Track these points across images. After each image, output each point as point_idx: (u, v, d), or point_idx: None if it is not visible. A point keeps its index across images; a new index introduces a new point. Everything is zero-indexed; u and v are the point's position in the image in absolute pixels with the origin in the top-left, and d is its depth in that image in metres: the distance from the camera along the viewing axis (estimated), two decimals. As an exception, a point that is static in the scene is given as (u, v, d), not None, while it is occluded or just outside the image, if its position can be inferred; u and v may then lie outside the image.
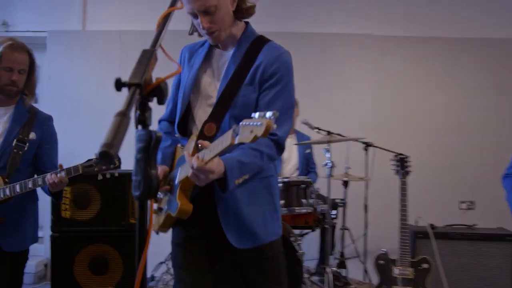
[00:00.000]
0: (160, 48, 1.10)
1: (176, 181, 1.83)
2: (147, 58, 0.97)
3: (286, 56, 1.88)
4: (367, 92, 5.19)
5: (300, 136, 4.67)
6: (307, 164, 4.70)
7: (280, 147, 1.86)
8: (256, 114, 1.30)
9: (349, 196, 4.35)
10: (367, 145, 4.39)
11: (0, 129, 2.58)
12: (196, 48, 2.03)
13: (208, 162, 1.57)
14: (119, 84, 0.92)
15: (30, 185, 2.44)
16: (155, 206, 2.07)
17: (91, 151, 5.10)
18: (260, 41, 1.91)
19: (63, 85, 5.38)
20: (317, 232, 4.22)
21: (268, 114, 1.26)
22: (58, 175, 2.40)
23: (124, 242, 3.46)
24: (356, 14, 5.36)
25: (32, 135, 2.63)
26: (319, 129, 4.27)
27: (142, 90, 0.93)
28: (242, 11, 1.86)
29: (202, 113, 1.91)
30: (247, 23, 1.96)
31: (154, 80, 0.95)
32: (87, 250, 3.45)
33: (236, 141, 1.34)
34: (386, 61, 5.25)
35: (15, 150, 2.53)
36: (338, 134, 4.17)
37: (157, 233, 2.04)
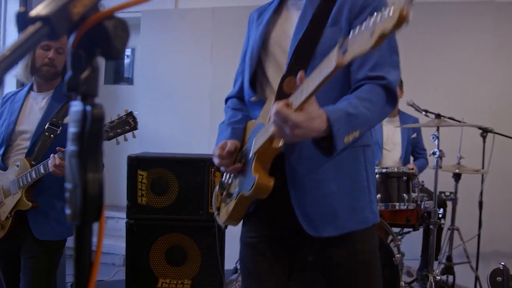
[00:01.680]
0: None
1: (251, 152, 1.49)
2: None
3: None
4: (486, 69, 4.46)
5: (405, 118, 4.12)
6: (413, 150, 4.14)
7: (392, 95, 1.42)
8: (374, 15, 0.93)
9: (460, 190, 3.72)
10: (485, 131, 3.72)
11: (37, 114, 2.42)
12: (265, 7, 1.75)
13: (297, 109, 1.19)
14: (22, 20, 0.52)
15: (42, 170, 2.26)
16: (220, 192, 1.75)
17: (183, 130, 5.02)
18: None
19: (157, 66, 5.31)
20: (420, 232, 3.67)
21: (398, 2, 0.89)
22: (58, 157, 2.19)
23: (202, 232, 3.19)
24: None
25: (67, 119, 2.44)
26: (427, 112, 3.70)
27: (59, 29, 0.53)
28: None
29: (275, 70, 1.59)
30: None
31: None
32: (164, 239, 3.22)
33: (348, 59, 0.99)
34: (509, 31, 4.47)
35: (46, 133, 2.35)
36: (450, 118, 3.57)
37: (225, 227, 1.75)
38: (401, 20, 0.87)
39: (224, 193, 1.68)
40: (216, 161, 1.58)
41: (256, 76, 1.64)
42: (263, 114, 1.54)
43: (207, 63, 5.10)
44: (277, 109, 1.19)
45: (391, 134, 4.14)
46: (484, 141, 3.75)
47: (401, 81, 4.07)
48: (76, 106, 0.56)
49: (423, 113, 3.74)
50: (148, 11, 5.35)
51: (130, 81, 5.89)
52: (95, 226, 0.57)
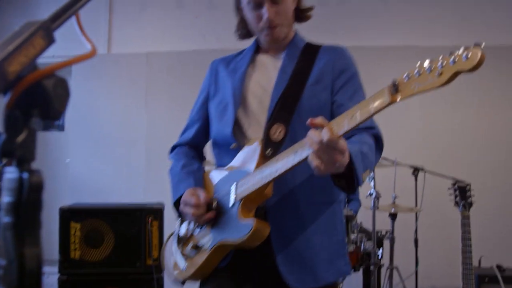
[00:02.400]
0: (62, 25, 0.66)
1: (235, 199, 1.46)
2: (27, 34, 0.53)
3: (348, 52, 1.70)
4: (415, 110, 4.67)
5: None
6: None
7: (380, 144, 1.57)
8: (436, 58, 1.05)
9: (397, 229, 3.80)
10: (416, 169, 3.86)
11: None
12: (231, 58, 1.80)
13: (341, 137, 1.21)
14: None
15: None
16: (179, 246, 1.66)
17: (117, 178, 4.85)
18: (313, 44, 1.72)
19: (89, 111, 5.15)
20: (359, 273, 3.69)
21: (476, 43, 1.00)
22: None
23: (140, 285, 3.06)
24: (399, 25, 4.90)
25: None
26: (361, 153, 3.79)
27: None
28: (302, 12, 1.70)
29: (253, 123, 1.62)
30: (296, 30, 1.77)
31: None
32: (99, 295, 3.06)
33: (415, 91, 1.12)
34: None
35: None
36: (383, 159, 3.67)
37: (182, 282, 1.66)
38: (480, 63, 0.96)
39: (188, 246, 1.60)
40: (190, 210, 1.52)
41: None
42: (243, 161, 1.53)
43: (141, 109, 5.02)
44: (330, 136, 1.16)
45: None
46: (416, 180, 3.88)
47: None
48: (11, 172, 0.50)
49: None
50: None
51: (60, 127, 5.68)
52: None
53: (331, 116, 1.53)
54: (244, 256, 1.50)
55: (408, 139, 4.59)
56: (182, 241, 1.64)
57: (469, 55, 0.96)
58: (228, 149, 1.61)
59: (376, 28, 4.95)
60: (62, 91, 0.53)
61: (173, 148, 1.84)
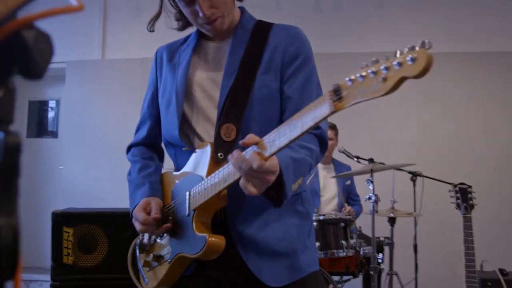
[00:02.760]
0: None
1: (189, 209, 1.36)
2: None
3: (303, 33, 1.50)
4: (411, 114, 4.65)
5: (339, 166, 4.15)
6: (348, 197, 4.16)
7: (324, 143, 1.44)
8: (378, 60, 0.90)
9: (396, 234, 3.75)
10: (415, 175, 3.81)
11: None
12: (176, 46, 1.62)
13: (269, 158, 1.11)
14: None
15: None
16: (140, 254, 1.58)
17: (111, 184, 4.78)
18: (264, 24, 1.52)
19: (83, 117, 5.10)
20: (359, 278, 3.62)
21: (420, 43, 0.83)
22: None
23: (134, 292, 2.97)
24: (392, 31, 4.88)
25: None
26: (359, 158, 3.74)
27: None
28: None
29: (201, 119, 1.48)
30: (242, 8, 1.57)
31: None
32: (92, 302, 2.98)
33: (349, 103, 0.95)
34: (431, 80, 4.71)
35: None
36: (381, 163, 3.62)
37: None
38: (427, 68, 0.82)
39: (150, 256, 1.50)
40: (138, 227, 1.41)
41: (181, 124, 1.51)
42: (196, 166, 1.42)
43: (136, 115, 4.92)
44: (256, 166, 1.08)
45: (327, 183, 4.15)
46: (414, 185, 3.83)
47: (336, 130, 4.13)
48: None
49: (355, 159, 3.78)
50: (73, 62, 5.18)
51: (54, 134, 5.62)
52: (9, 286, 0.45)
53: (281, 108, 1.43)
54: (210, 263, 1.38)
55: (406, 144, 4.55)
56: (145, 249, 1.54)
57: (415, 59, 0.83)
58: (182, 150, 1.50)
59: (372, 34, 4.93)
60: (45, 46, 0.47)
61: (129, 148, 1.70)
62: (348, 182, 4.19)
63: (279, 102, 1.43)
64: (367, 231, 3.57)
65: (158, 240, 1.50)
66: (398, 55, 0.86)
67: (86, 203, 4.13)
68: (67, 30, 5.28)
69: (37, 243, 4.94)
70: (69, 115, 5.21)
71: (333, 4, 5.02)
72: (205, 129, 1.46)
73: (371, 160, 3.38)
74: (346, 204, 4.17)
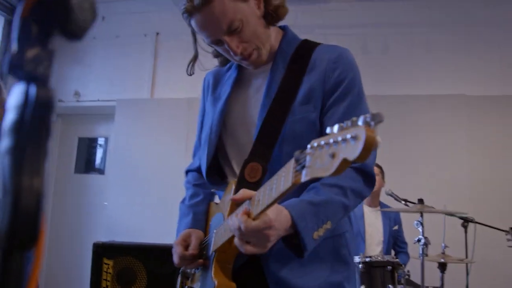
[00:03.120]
0: None
1: (211, 249, 1.30)
2: None
3: (348, 54, 1.35)
4: (462, 158, 4.48)
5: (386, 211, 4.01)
6: (394, 243, 3.98)
7: (368, 178, 1.27)
8: (334, 127, 0.74)
9: (446, 284, 3.53)
10: (466, 220, 3.63)
11: None
12: (223, 73, 1.53)
13: (259, 216, 1.04)
14: None
15: None
16: (181, 282, 1.53)
17: (156, 223, 4.79)
18: (308, 45, 1.39)
19: (129, 155, 5.18)
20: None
21: (361, 119, 0.69)
22: None
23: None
24: (445, 74, 4.79)
25: None
26: (407, 201, 3.60)
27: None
28: (271, 14, 1.35)
29: (238, 154, 1.39)
30: (284, 27, 1.46)
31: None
32: (130, 337, 2.92)
33: (304, 179, 0.80)
34: (483, 124, 4.56)
35: None
36: (431, 207, 3.47)
37: None
38: (368, 150, 0.67)
39: (186, 287, 1.47)
40: (175, 260, 1.39)
41: (218, 159, 1.45)
42: (223, 204, 1.37)
43: (182, 153, 4.99)
44: (238, 225, 1.05)
45: (374, 226, 4.00)
46: (466, 231, 3.64)
47: (383, 171, 4.02)
48: (18, 88, 0.42)
49: (403, 202, 3.64)
50: (123, 100, 5.32)
51: (101, 171, 5.72)
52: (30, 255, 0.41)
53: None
54: None
55: (456, 188, 4.36)
56: (184, 277, 1.51)
57: (356, 138, 0.68)
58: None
59: (420, 76, 4.85)
60: (88, 6, 0.45)
61: (186, 173, 1.67)
62: (396, 227, 4.03)
63: (316, 135, 1.26)
64: (415, 278, 3.38)
65: (196, 271, 1.45)
66: (335, 130, 0.73)
67: (127, 238, 4.13)
68: (119, 70, 5.46)
69: (77, 275, 4.96)
70: (116, 152, 5.30)
71: (380, 46, 4.99)
72: (238, 161, 1.39)
73: (420, 201, 3.24)
74: (393, 253, 4.00)
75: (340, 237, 1.32)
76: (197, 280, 1.42)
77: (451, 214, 3.56)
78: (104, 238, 3.55)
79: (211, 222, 1.44)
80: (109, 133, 5.61)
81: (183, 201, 1.57)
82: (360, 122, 0.69)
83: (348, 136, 0.70)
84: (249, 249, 1.08)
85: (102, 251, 2.99)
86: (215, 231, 1.32)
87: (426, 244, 3.02)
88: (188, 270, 1.49)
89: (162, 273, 3.00)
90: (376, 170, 3.93)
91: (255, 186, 1.22)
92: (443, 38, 4.90)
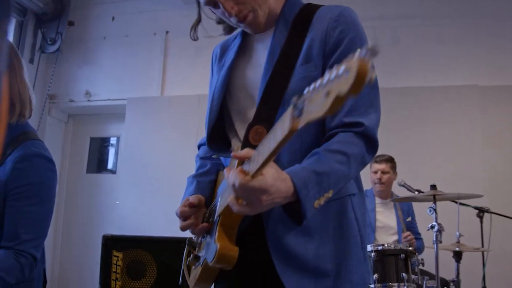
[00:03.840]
0: None
1: (216, 214, 1.28)
2: None
3: (349, 12, 1.30)
4: (477, 150, 4.40)
5: (399, 202, 3.95)
6: (408, 234, 3.93)
7: (371, 142, 1.23)
8: (331, 71, 0.72)
9: (462, 273, 3.45)
10: (482, 210, 3.55)
11: None
12: (229, 43, 1.52)
13: (256, 175, 1.00)
14: None
15: None
16: (188, 251, 1.51)
17: (167, 221, 4.78)
18: (310, 8, 1.35)
19: (140, 153, 5.17)
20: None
21: (357, 53, 0.68)
22: None
23: (183, 320, 2.87)
24: (457, 65, 4.72)
25: None
26: (420, 192, 3.54)
27: None
28: None
29: (241, 119, 1.38)
30: None
31: None
32: (140, 330, 2.90)
33: (302, 123, 0.79)
34: (496, 114, 4.48)
35: None
36: (445, 194, 3.40)
37: None
38: (361, 81, 0.66)
39: (192, 255, 1.43)
40: (180, 224, 1.37)
41: (223, 126, 1.44)
42: (229, 167, 1.31)
43: (192, 150, 4.95)
44: (233, 181, 1.02)
45: (386, 218, 3.95)
46: (481, 221, 3.57)
47: (394, 164, 3.96)
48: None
49: (416, 193, 3.58)
50: (133, 99, 5.33)
51: (113, 170, 5.73)
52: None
53: None
54: (242, 268, 1.24)
55: (471, 179, 4.28)
56: (190, 246, 1.48)
57: (347, 70, 0.67)
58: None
59: (431, 69, 4.79)
60: None
61: (199, 147, 1.67)
62: (409, 219, 3.97)
63: None
64: (429, 268, 3.32)
65: (202, 240, 1.42)
66: (338, 66, 0.71)
67: (137, 234, 4.12)
68: (129, 68, 5.48)
69: (89, 272, 4.96)
70: (127, 151, 5.31)
71: (391, 39, 4.94)
72: (241, 126, 1.37)
73: (433, 187, 3.17)
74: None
75: (345, 200, 1.28)
76: (203, 248, 1.39)
77: (465, 204, 3.49)
78: (114, 232, 3.53)
79: (218, 189, 1.43)
80: (120, 132, 5.62)
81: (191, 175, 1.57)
82: (355, 56, 0.68)
83: (341, 70, 0.68)
84: (239, 208, 1.06)
85: (111, 243, 2.97)
86: (220, 195, 1.31)
87: (439, 231, 2.96)
88: (194, 239, 1.46)
89: (173, 265, 2.97)
90: (387, 165, 3.87)
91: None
92: (453, 30, 4.83)
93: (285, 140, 0.87)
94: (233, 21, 1.33)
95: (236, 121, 1.40)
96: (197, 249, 1.44)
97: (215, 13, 1.39)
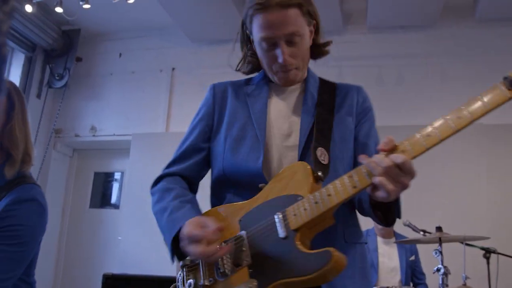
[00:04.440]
0: None
1: (285, 232, 1.22)
2: None
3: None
4: (481, 188, 4.36)
5: (402, 239, 3.89)
6: (412, 274, 3.85)
7: None
8: None
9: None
10: (488, 251, 3.49)
11: None
12: (239, 85, 1.59)
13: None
14: None
15: None
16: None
17: (167, 258, 4.72)
18: (328, 80, 1.59)
19: (144, 189, 5.11)
20: None
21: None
22: None
23: None
24: (461, 103, 4.72)
25: None
26: (425, 232, 3.49)
27: None
28: (319, 47, 1.52)
29: (277, 152, 1.42)
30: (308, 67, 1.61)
31: None
32: None
33: None
34: (501, 152, 4.46)
35: None
36: (449, 235, 3.35)
37: None
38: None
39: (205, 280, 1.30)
40: (198, 249, 1.20)
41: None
42: (282, 188, 1.29)
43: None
44: (403, 160, 1.14)
45: (388, 258, 3.88)
46: (488, 262, 3.50)
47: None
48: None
49: (421, 233, 3.53)
50: (138, 134, 5.35)
51: (116, 205, 5.71)
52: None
53: (353, 145, 1.48)
54: None
55: (476, 219, 4.23)
56: (193, 274, 1.33)
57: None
58: (244, 188, 1.39)
59: (436, 107, 4.79)
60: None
61: (159, 179, 1.55)
62: (413, 258, 3.90)
63: (352, 143, 1.46)
64: (436, 312, 3.25)
65: (219, 278, 1.28)
66: None
67: (141, 272, 4.07)
68: (135, 104, 5.52)
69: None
70: (131, 187, 5.30)
71: (395, 77, 4.98)
72: (281, 164, 1.40)
73: (439, 229, 3.13)
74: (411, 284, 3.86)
75: (363, 246, 1.45)
76: (229, 285, 1.27)
77: (471, 245, 3.44)
78: (117, 272, 3.49)
79: (243, 218, 1.33)
80: (124, 167, 5.62)
81: (159, 201, 1.45)
82: None
83: None
84: (393, 188, 1.13)
85: (111, 282, 2.93)
86: (281, 214, 1.24)
87: (446, 274, 2.91)
88: (201, 283, 1.31)
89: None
90: None
91: (326, 168, 1.33)
92: (458, 68, 4.87)
93: (495, 107, 1.16)
94: (275, 67, 1.44)
95: (273, 155, 1.43)
96: (204, 276, 1.32)
97: (250, 53, 1.53)
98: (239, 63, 1.57)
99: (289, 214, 1.23)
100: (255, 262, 1.25)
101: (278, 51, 1.39)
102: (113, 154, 5.77)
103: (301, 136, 1.40)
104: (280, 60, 1.40)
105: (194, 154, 1.55)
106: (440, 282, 2.93)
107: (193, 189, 1.55)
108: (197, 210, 1.39)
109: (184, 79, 5.46)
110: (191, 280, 1.35)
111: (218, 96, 1.57)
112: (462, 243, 3.40)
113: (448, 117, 1.18)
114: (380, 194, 1.15)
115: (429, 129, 1.17)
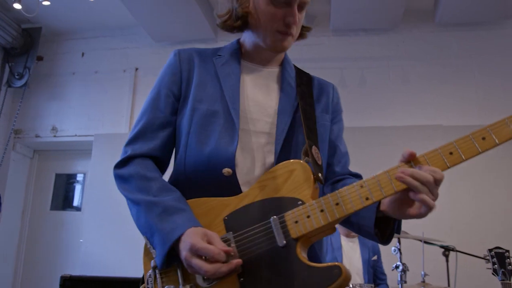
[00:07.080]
0: None
1: (284, 240, 1.12)
2: None
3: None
4: (441, 187, 4.44)
5: (364, 240, 3.94)
6: (374, 274, 3.90)
7: None
8: None
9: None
10: (447, 249, 3.57)
11: None
12: (207, 55, 1.42)
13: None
14: None
15: None
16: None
17: (132, 260, 4.66)
18: (302, 70, 1.52)
19: (105, 190, 5.06)
20: None
21: None
22: None
23: None
24: (422, 105, 4.84)
25: None
26: (386, 230, 3.54)
27: None
28: (303, 28, 1.45)
29: (256, 140, 1.29)
30: None
31: None
32: None
33: None
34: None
35: None
36: (406, 233, 3.41)
37: None
38: None
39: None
40: (204, 267, 1.08)
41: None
42: (277, 188, 1.18)
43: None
44: (436, 177, 1.13)
45: (351, 257, 3.93)
46: (447, 260, 3.58)
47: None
48: None
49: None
50: (100, 135, 5.27)
51: (78, 207, 5.60)
52: None
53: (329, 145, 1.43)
54: None
55: (438, 218, 4.31)
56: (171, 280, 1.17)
57: None
58: (208, 177, 1.23)
59: (397, 109, 4.89)
60: None
61: (128, 159, 1.31)
62: (375, 258, 3.95)
63: (327, 144, 1.42)
64: (395, 310, 3.30)
65: (202, 284, 1.14)
66: None
67: (103, 274, 4.00)
68: (97, 105, 5.44)
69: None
70: (93, 188, 5.21)
71: (358, 79, 5.05)
72: (258, 148, 1.28)
73: (396, 227, 3.17)
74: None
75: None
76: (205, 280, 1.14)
77: (429, 242, 3.51)
78: (78, 272, 3.43)
79: (228, 218, 1.19)
80: (86, 168, 5.52)
81: (142, 191, 1.25)
82: None
83: None
84: (431, 203, 1.13)
85: (70, 284, 2.87)
86: (278, 218, 1.14)
87: (404, 271, 2.96)
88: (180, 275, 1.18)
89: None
90: None
91: (319, 168, 1.23)
92: (419, 70, 4.98)
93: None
94: (279, 27, 1.31)
95: (250, 141, 1.29)
96: (182, 281, 1.16)
97: (246, 8, 1.34)
98: (224, 17, 1.36)
99: (289, 220, 1.13)
100: (247, 270, 1.13)
101: (289, 10, 1.29)
102: (75, 155, 5.67)
103: (279, 130, 1.28)
104: (290, 19, 1.29)
105: (162, 128, 1.34)
106: (399, 279, 2.97)
107: (163, 171, 1.38)
108: (195, 219, 1.19)
109: (147, 79, 5.41)
110: (168, 287, 1.19)
111: (185, 63, 1.38)
112: (421, 241, 3.46)
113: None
114: (417, 211, 1.15)
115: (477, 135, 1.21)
